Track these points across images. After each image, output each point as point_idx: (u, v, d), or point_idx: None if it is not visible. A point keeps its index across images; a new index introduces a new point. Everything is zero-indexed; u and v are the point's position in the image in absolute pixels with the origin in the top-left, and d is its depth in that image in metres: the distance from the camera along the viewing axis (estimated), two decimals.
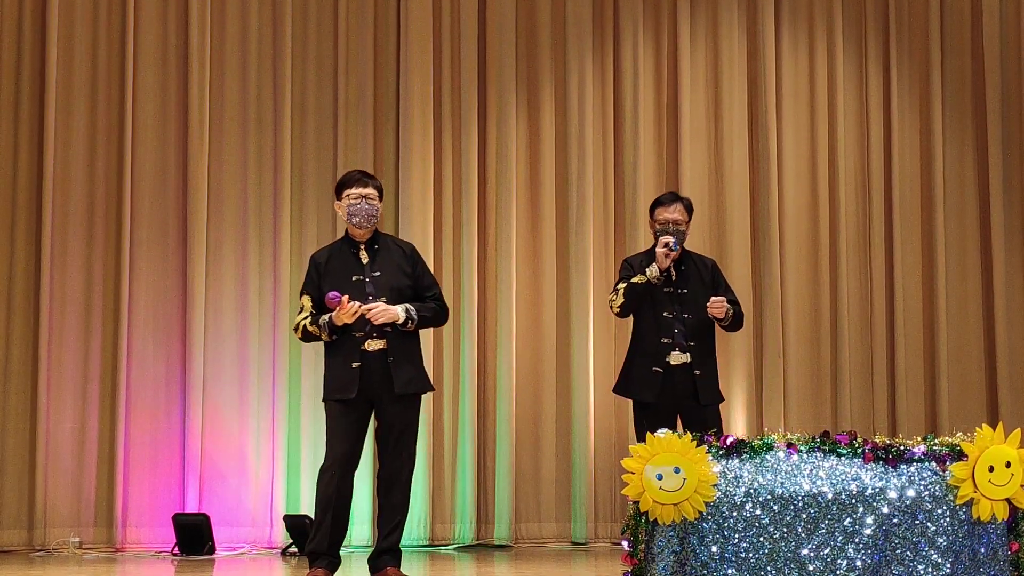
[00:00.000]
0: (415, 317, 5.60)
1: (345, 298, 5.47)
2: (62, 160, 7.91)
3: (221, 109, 8.11)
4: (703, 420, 5.80)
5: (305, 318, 5.64)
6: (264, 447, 7.89)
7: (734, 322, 6.02)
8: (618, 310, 5.99)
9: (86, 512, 7.73)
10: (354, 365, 5.55)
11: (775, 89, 8.60)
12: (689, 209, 6.10)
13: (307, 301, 5.67)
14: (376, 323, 5.51)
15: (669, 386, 5.87)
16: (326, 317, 5.55)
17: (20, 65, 7.97)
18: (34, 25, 7.99)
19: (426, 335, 7.98)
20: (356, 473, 5.68)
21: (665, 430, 4.25)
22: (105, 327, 7.87)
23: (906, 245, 8.65)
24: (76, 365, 7.83)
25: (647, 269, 5.88)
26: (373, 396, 5.59)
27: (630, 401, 8.17)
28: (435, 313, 5.73)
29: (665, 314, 5.92)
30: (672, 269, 5.98)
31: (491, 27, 8.37)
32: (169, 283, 7.96)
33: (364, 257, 5.69)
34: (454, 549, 7.93)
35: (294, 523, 7.58)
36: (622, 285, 5.96)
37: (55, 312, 7.81)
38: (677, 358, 5.88)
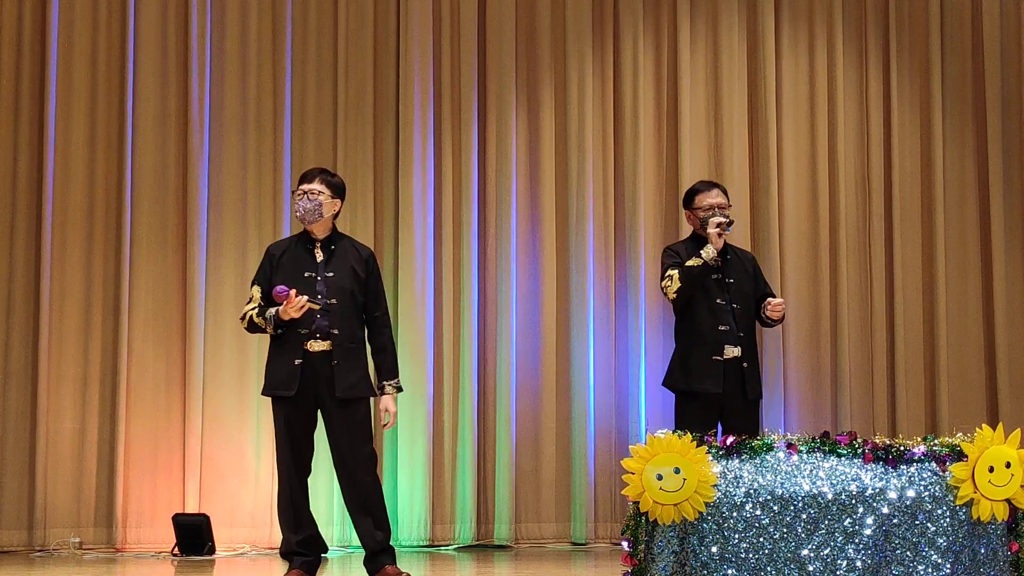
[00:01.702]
0: (399, 386, 5.84)
1: (293, 292, 5.47)
2: (62, 160, 7.91)
3: (221, 109, 8.10)
4: (747, 415, 5.79)
5: (252, 309, 5.64)
6: (264, 447, 7.88)
7: (779, 320, 6.06)
8: (675, 295, 5.86)
9: (86, 512, 7.73)
10: (296, 362, 5.55)
11: (775, 89, 8.59)
12: (726, 194, 6.10)
13: (256, 292, 5.69)
14: (391, 426, 5.81)
15: (723, 378, 5.84)
16: (272, 310, 5.54)
17: (20, 65, 7.97)
18: (34, 25, 7.99)
19: (424, 335, 7.99)
20: (314, 473, 5.75)
21: (665, 430, 4.26)
22: (105, 327, 7.87)
23: (906, 244, 8.65)
24: (76, 365, 7.83)
25: (702, 251, 5.82)
26: (317, 397, 5.59)
27: (630, 401, 8.29)
28: (391, 345, 5.85)
29: (719, 301, 5.88)
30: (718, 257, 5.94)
31: (491, 27, 8.37)
32: (169, 283, 7.96)
33: (319, 255, 5.68)
34: (454, 549, 7.93)
35: None
36: (674, 271, 5.85)
37: (55, 312, 7.81)
38: (730, 351, 5.85)
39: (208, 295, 7.95)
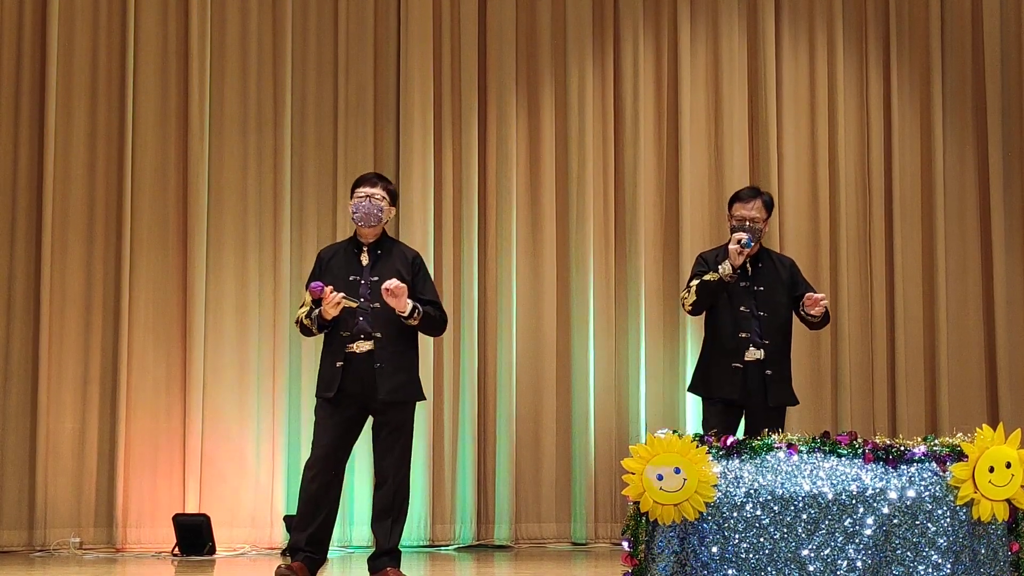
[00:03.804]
0: (421, 311, 5.59)
1: (328, 289, 5.48)
2: (62, 160, 7.91)
3: (221, 109, 8.10)
4: (768, 421, 5.73)
5: (303, 311, 5.69)
6: (264, 447, 7.89)
7: (823, 319, 5.99)
8: (690, 308, 5.91)
9: (86, 512, 7.73)
10: (337, 364, 5.57)
11: (775, 89, 8.59)
12: (768, 206, 5.99)
13: (308, 296, 5.72)
14: (385, 296, 5.47)
15: (743, 383, 5.84)
16: (316, 310, 5.57)
17: (20, 65, 7.97)
18: (34, 25, 7.99)
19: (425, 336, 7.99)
20: (345, 473, 5.72)
21: (665, 430, 4.25)
22: (105, 327, 7.87)
23: (906, 245, 8.65)
24: (76, 365, 7.83)
25: (720, 267, 5.80)
26: (362, 398, 5.60)
27: (631, 401, 8.29)
28: (438, 315, 5.73)
29: (743, 309, 5.86)
30: (748, 265, 5.92)
31: (491, 27, 8.37)
32: (169, 283, 7.96)
33: (365, 259, 5.70)
34: (454, 550, 7.93)
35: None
36: (694, 282, 5.88)
37: (55, 312, 7.81)
38: (752, 354, 5.84)
39: (208, 295, 7.95)
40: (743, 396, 5.85)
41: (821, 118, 8.65)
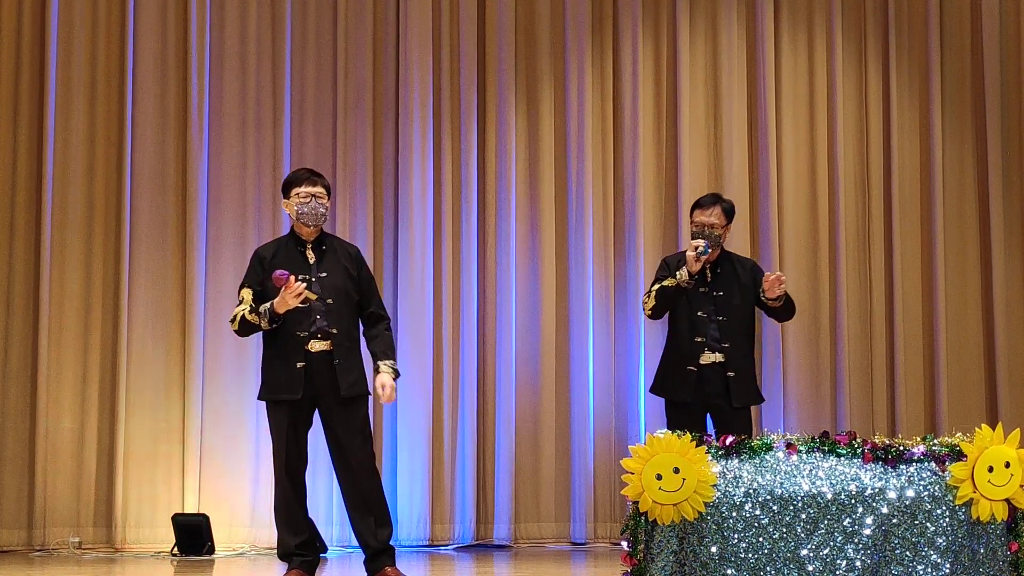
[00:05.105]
0: (395, 368, 5.75)
1: (292, 277, 5.43)
2: (62, 160, 7.91)
3: (221, 109, 8.10)
4: (733, 422, 5.86)
5: (244, 309, 5.60)
6: (263, 447, 7.87)
7: (785, 306, 6.03)
8: (649, 312, 6.06)
9: (86, 512, 7.73)
10: (299, 365, 5.53)
11: (775, 89, 8.59)
12: (728, 213, 6.11)
13: (247, 293, 5.66)
14: (389, 402, 5.71)
15: (700, 386, 5.95)
16: (267, 304, 5.51)
17: (20, 65, 7.97)
18: (34, 25, 7.99)
19: (424, 335, 8.00)
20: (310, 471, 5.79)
21: (664, 430, 4.26)
22: (105, 327, 7.87)
23: (906, 245, 8.65)
24: (75, 364, 7.83)
25: (677, 272, 5.92)
26: (317, 398, 5.58)
27: (630, 401, 8.30)
28: (391, 340, 5.83)
29: (700, 313, 5.98)
30: (708, 270, 6.03)
31: (491, 27, 8.37)
32: (168, 282, 7.96)
33: (311, 257, 5.69)
34: (454, 549, 7.93)
35: None
36: (655, 287, 6.00)
37: (55, 312, 7.81)
38: (707, 357, 5.96)
39: (208, 295, 7.95)
40: (700, 398, 5.97)
41: (820, 117, 8.65)
